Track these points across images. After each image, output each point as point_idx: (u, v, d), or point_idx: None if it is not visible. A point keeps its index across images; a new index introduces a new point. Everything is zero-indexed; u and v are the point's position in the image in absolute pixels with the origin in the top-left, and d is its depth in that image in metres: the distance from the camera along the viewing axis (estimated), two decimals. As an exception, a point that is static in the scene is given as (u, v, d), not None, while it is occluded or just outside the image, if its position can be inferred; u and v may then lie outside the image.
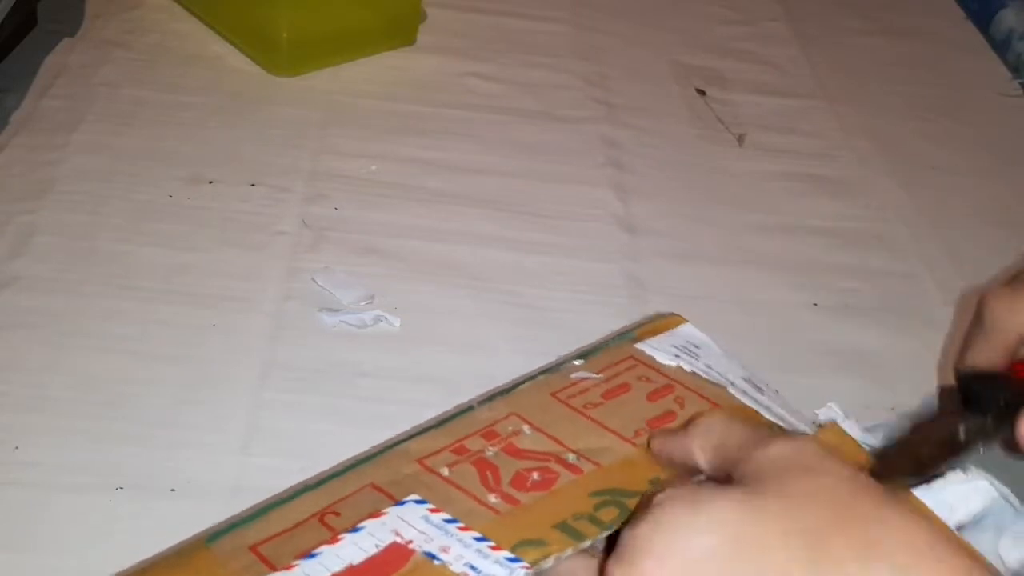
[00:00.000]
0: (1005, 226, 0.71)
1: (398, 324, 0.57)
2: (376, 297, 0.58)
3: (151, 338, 0.54)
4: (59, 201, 0.62)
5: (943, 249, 0.69)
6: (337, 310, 0.57)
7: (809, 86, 0.83)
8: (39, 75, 0.71)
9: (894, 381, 0.58)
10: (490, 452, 0.40)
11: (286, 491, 0.39)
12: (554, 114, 0.76)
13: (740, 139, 0.76)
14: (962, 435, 0.40)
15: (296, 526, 0.37)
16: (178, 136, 0.68)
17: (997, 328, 0.43)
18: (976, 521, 0.41)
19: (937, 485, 0.41)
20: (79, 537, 0.45)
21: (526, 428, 0.41)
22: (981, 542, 0.40)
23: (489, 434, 0.41)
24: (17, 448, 0.48)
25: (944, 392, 0.47)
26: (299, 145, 0.69)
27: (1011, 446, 0.41)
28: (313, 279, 0.59)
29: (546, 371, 0.45)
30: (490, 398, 0.43)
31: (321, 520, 0.37)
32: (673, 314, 0.49)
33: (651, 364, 0.45)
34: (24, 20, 0.73)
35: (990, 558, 0.38)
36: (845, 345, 0.60)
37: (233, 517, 0.38)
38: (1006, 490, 0.42)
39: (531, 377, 0.45)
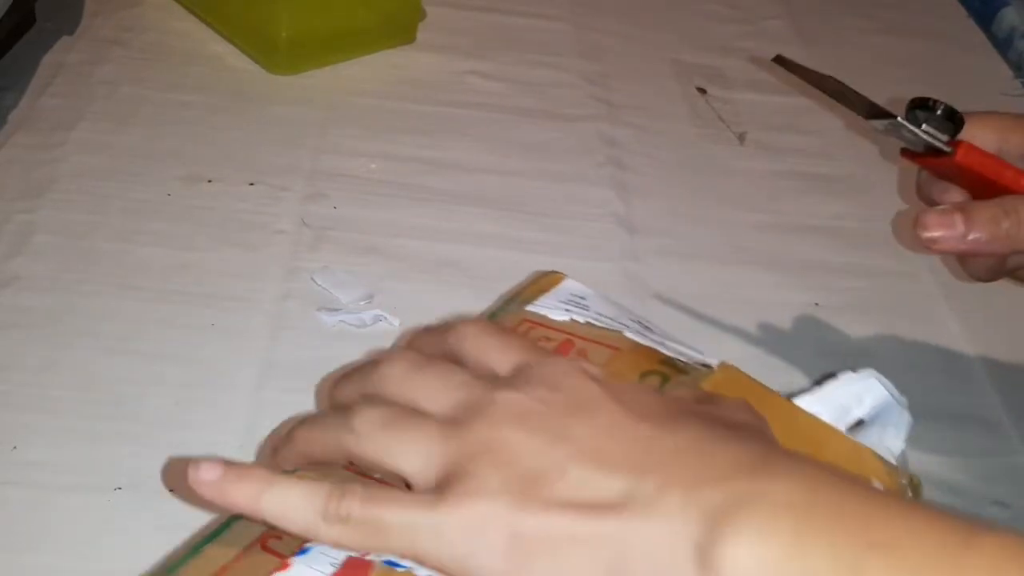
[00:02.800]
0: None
1: (397, 324, 0.57)
2: (375, 296, 0.58)
3: (150, 337, 0.54)
4: (58, 200, 0.62)
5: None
6: (336, 309, 0.57)
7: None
8: (37, 73, 0.71)
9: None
10: None
11: (214, 522, 0.37)
12: (554, 113, 0.76)
13: (741, 138, 0.76)
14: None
15: (237, 559, 0.34)
16: (177, 135, 0.68)
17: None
18: (869, 418, 0.43)
19: (829, 388, 0.43)
20: (78, 537, 0.44)
21: None
22: (870, 435, 0.43)
23: None
24: (15, 448, 0.48)
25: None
26: (298, 144, 0.69)
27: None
28: (312, 278, 0.59)
29: None
30: None
31: (263, 546, 0.34)
32: (553, 272, 0.49)
33: (545, 323, 0.44)
34: (22, 18, 0.72)
35: (880, 452, 0.41)
36: (847, 345, 0.60)
37: (167, 558, 0.37)
38: (891, 385, 0.45)
39: None
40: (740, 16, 0.91)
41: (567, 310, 0.45)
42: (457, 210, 0.66)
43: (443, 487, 0.32)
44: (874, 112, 0.50)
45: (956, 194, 0.50)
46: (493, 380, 0.35)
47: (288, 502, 0.33)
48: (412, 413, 0.35)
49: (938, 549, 0.28)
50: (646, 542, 0.30)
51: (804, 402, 0.43)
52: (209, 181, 0.65)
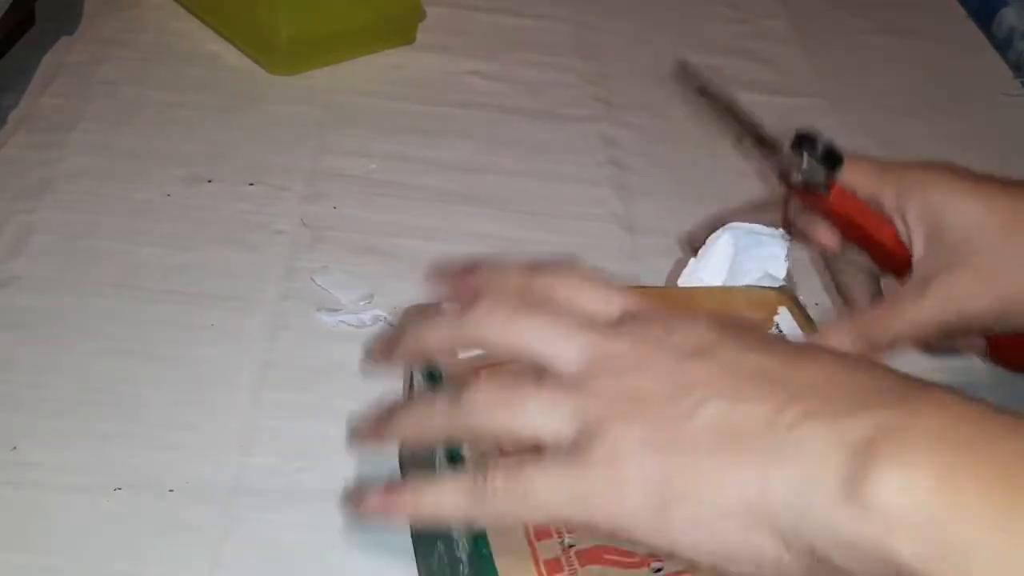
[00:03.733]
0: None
1: (397, 324, 0.57)
2: (375, 296, 0.58)
3: (149, 338, 0.54)
4: (57, 200, 0.62)
5: None
6: (336, 310, 0.57)
7: (810, 85, 0.83)
8: (37, 74, 0.71)
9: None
10: None
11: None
12: (554, 113, 0.76)
13: (741, 138, 0.76)
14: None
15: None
16: (177, 135, 0.68)
17: None
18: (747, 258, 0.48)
19: (700, 255, 0.49)
20: (77, 537, 0.44)
21: None
22: (755, 272, 0.48)
23: None
24: (15, 448, 0.48)
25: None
26: (298, 144, 0.69)
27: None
28: (312, 278, 0.59)
29: None
30: None
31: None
32: None
33: (489, 359, 0.42)
34: (22, 18, 0.72)
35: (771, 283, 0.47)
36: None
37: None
38: (755, 226, 0.50)
39: None
40: (740, 16, 0.91)
41: None
42: (457, 210, 0.66)
43: (580, 446, 0.32)
44: (760, 140, 0.51)
45: (823, 229, 0.51)
46: (606, 326, 0.35)
47: (441, 498, 0.35)
48: (526, 375, 0.34)
49: None
50: (790, 474, 0.30)
51: (687, 276, 0.48)
52: (209, 181, 0.65)
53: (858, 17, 0.94)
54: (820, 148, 0.49)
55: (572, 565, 0.35)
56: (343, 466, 0.49)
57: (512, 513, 0.33)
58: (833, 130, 0.78)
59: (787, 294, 0.47)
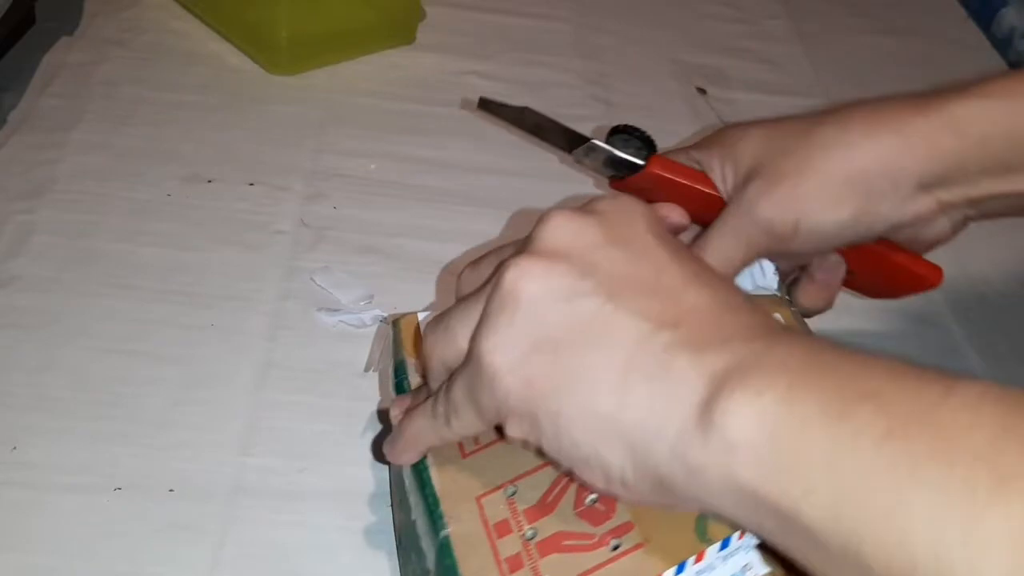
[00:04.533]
0: (1006, 225, 0.71)
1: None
2: (375, 296, 0.58)
3: (149, 338, 0.54)
4: (57, 200, 0.62)
5: (944, 247, 0.68)
6: (336, 310, 0.57)
7: (810, 85, 0.83)
8: (37, 73, 0.71)
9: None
10: None
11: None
12: (554, 112, 0.76)
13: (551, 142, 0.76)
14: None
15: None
16: (177, 135, 0.68)
17: None
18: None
19: None
20: (77, 537, 0.45)
21: None
22: (746, 283, 0.48)
23: None
24: (15, 448, 0.48)
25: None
26: (298, 144, 0.69)
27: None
28: (312, 278, 0.59)
29: None
30: None
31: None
32: (404, 315, 0.47)
33: None
34: (22, 18, 0.72)
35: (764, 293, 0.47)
36: (847, 344, 0.60)
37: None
38: None
39: None
40: (740, 16, 0.91)
41: None
42: (457, 209, 0.66)
43: (473, 341, 0.35)
44: (574, 140, 0.52)
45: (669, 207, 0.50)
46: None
47: (415, 426, 0.39)
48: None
49: (920, 395, 0.29)
50: (650, 394, 0.32)
51: None
52: (209, 181, 0.65)
53: (858, 17, 0.94)
54: (636, 135, 0.51)
55: (532, 558, 0.35)
56: (343, 466, 0.49)
57: (458, 429, 0.37)
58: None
59: (782, 301, 0.47)
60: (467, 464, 0.39)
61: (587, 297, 0.33)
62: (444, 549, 0.36)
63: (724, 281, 0.36)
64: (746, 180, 0.47)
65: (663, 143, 0.75)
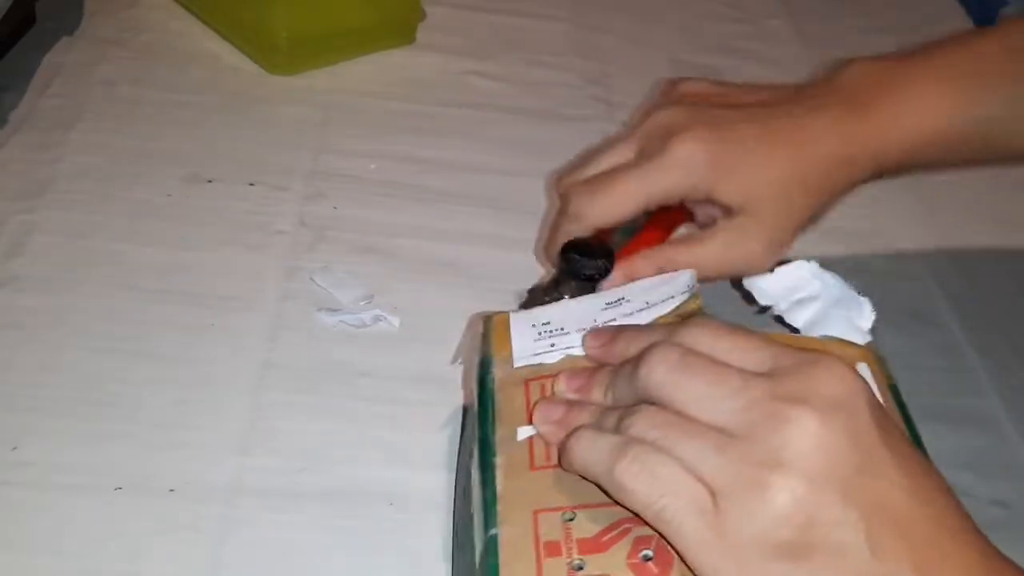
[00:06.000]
0: (1006, 224, 0.71)
1: (397, 324, 0.57)
2: (375, 296, 0.58)
3: (149, 338, 0.54)
4: (57, 200, 0.62)
5: (944, 248, 0.69)
6: (336, 310, 0.57)
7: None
8: (37, 73, 0.71)
9: (897, 379, 0.57)
10: None
11: None
12: (554, 112, 0.76)
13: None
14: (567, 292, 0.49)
15: None
16: (176, 135, 0.68)
17: (580, 217, 0.50)
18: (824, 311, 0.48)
19: (781, 272, 0.49)
20: (77, 537, 0.45)
21: None
22: (837, 327, 0.46)
23: None
24: (15, 448, 0.48)
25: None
26: (298, 144, 0.69)
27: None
28: (312, 278, 0.59)
29: None
30: None
31: None
32: (495, 314, 0.47)
33: (543, 373, 0.42)
34: (23, 18, 0.72)
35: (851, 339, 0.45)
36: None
37: None
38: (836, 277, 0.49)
39: None
40: (740, 16, 0.91)
41: (551, 345, 0.43)
42: (457, 210, 0.66)
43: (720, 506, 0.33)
44: (543, 291, 0.51)
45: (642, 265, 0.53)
46: (768, 384, 0.34)
47: (589, 452, 0.36)
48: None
49: None
50: None
51: (756, 283, 0.49)
52: (209, 181, 0.65)
53: (858, 16, 0.94)
54: (596, 264, 0.50)
55: None
56: (343, 466, 0.49)
57: (635, 496, 0.34)
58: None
59: (870, 350, 0.46)
60: (534, 477, 0.38)
61: (851, 542, 0.32)
62: (491, 548, 0.36)
63: (949, 493, 0.35)
64: (731, 217, 0.50)
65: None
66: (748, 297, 0.51)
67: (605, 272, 0.49)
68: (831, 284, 0.49)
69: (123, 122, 0.69)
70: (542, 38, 0.84)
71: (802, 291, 0.49)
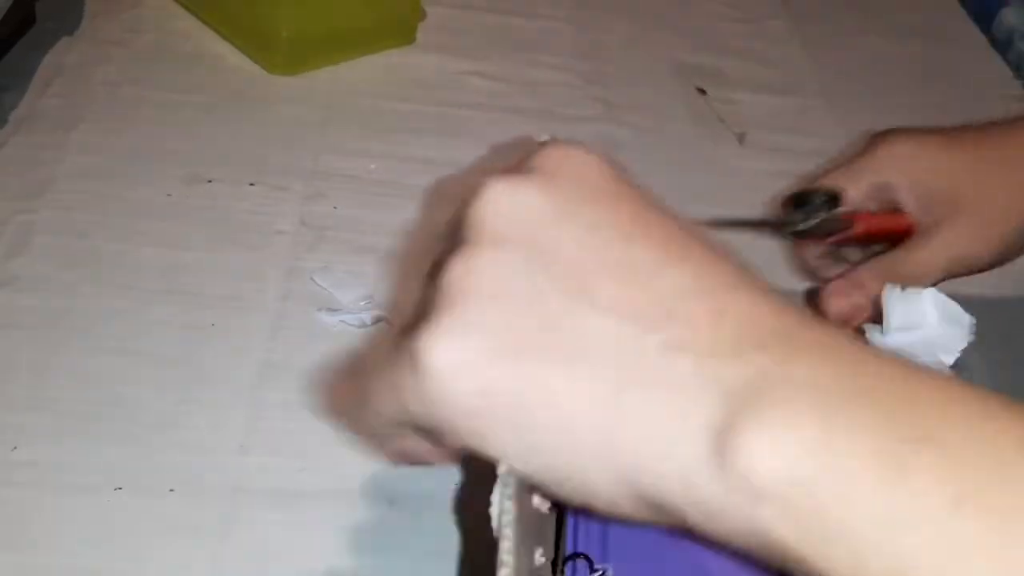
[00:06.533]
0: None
1: (397, 324, 0.57)
2: (375, 296, 0.58)
3: (149, 338, 0.54)
4: (58, 200, 0.62)
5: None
6: (336, 310, 0.57)
7: (810, 85, 0.83)
8: (38, 74, 0.71)
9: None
10: None
11: None
12: (554, 113, 0.76)
13: (741, 138, 0.76)
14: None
15: None
16: (177, 135, 0.68)
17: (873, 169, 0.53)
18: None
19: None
20: (77, 537, 0.45)
21: None
22: (920, 350, 0.46)
23: None
24: (15, 448, 0.48)
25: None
26: (298, 144, 0.69)
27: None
28: (312, 278, 0.59)
29: None
30: None
31: None
32: None
33: None
34: (23, 18, 0.72)
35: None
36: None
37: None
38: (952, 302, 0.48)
39: None
40: (740, 16, 0.91)
41: None
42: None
43: (415, 327, 0.28)
44: (769, 224, 0.57)
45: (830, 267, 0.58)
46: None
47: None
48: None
49: (992, 442, 0.23)
50: (649, 410, 0.26)
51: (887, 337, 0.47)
52: (209, 181, 0.65)
53: (858, 17, 0.94)
54: (818, 198, 0.53)
55: None
56: (343, 466, 0.49)
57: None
58: (833, 129, 0.78)
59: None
60: None
61: (547, 294, 0.27)
62: None
63: (714, 246, 0.29)
64: (945, 217, 0.51)
65: (663, 143, 0.75)
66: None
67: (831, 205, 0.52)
68: (942, 302, 0.48)
69: (123, 122, 0.69)
70: (542, 38, 0.84)
71: (916, 318, 0.47)
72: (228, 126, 0.70)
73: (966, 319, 0.47)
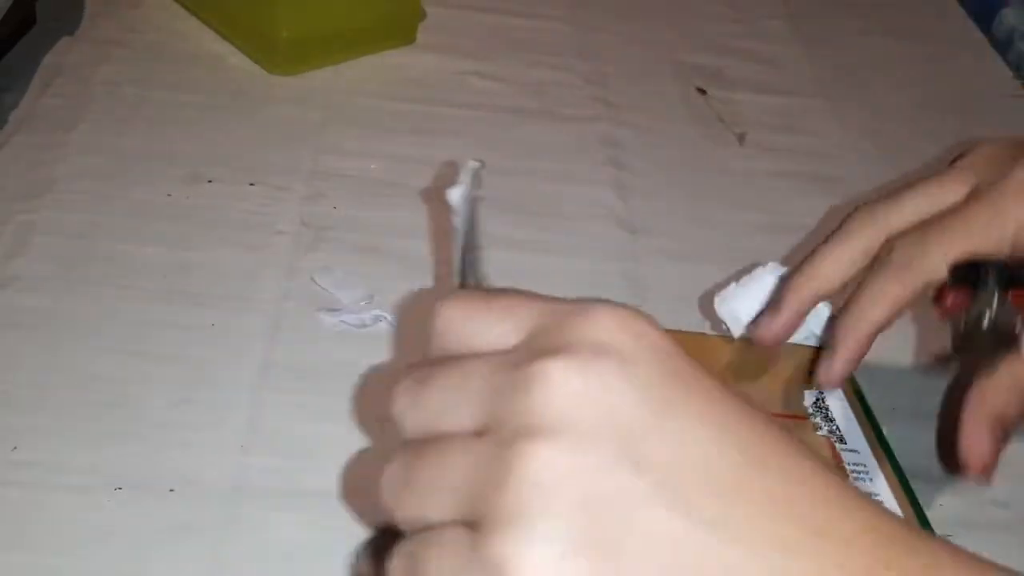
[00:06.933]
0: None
1: (397, 324, 0.57)
2: (375, 296, 0.58)
3: (150, 338, 0.54)
4: (58, 200, 0.62)
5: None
6: (336, 310, 0.57)
7: (810, 85, 0.83)
8: (38, 74, 0.71)
9: (896, 380, 0.57)
10: None
11: None
12: (554, 113, 0.76)
13: (740, 138, 0.76)
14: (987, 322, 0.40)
15: None
16: (177, 135, 0.68)
17: (910, 267, 0.43)
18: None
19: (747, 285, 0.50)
20: (78, 537, 0.44)
21: None
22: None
23: None
24: (15, 448, 0.48)
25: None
26: (298, 144, 0.69)
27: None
28: (312, 279, 0.59)
29: None
30: None
31: None
32: None
33: None
34: (23, 18, 0.72)
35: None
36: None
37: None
38: None
39: None
40: (740, 16, 0.91)
41: None
42: (457, 210, 0.66)
43: (483, 527, 0.24)
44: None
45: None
46: (515, 363, 0.26)
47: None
48: (429, 446, 0.27)
49: None
50: None
51: (725, 301, 0.50)
52: (209, 181, 0.65)
53: (858, 17, 0.94)
54: (989, 275, 0.41)
55: None
56: (343, 466, 0.49)
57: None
58: (833, 129, 0.79)
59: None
60: None
61: (649, 511, 0.24)
62: None
63: (806, 447, 0.26)
64: None
65: (663, 143, 0.75)
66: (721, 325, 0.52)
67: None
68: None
69: (124, 122, 0.69)
70: (542, 38, 0.84)
71: (762, 291, 0.49)
72: (228, 126, 0.70)
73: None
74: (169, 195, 0.63)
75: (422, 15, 0.80)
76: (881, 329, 0.43)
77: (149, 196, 0.63)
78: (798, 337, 0.49)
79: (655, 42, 0.86)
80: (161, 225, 0.61)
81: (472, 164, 0.31)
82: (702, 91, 0.81)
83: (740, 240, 0.67)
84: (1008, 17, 0.91)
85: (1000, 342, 0.42)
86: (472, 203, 0.30)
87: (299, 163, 0.67)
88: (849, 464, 0.47)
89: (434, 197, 0.66)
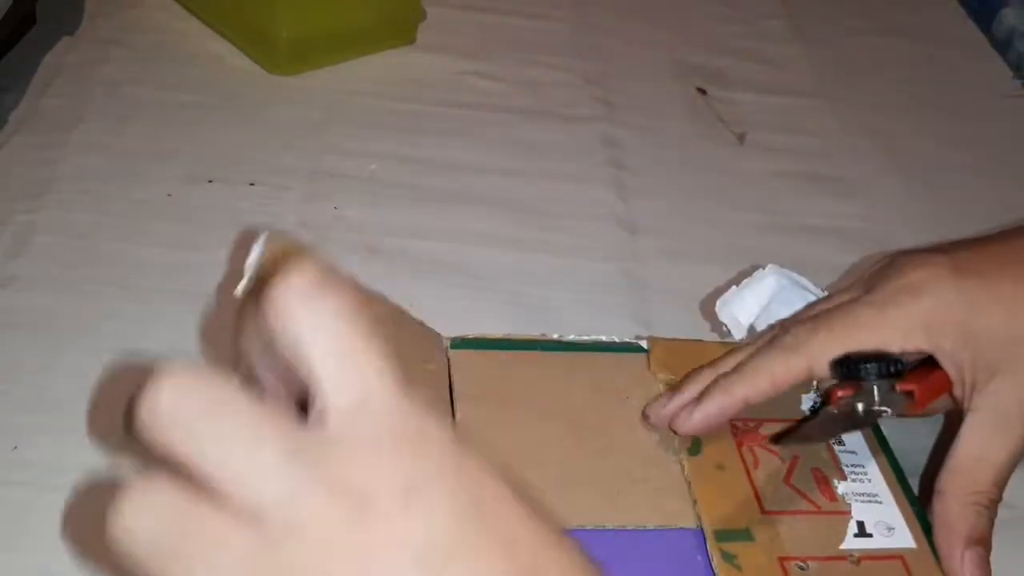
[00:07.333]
0: (1005, 226, 0.71)
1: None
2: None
3: (149, 338, 0.54)
4: (58, 200, 0.62)
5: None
6: (336, 310, 0.57)
7: (809, 85, 0.83)
8: (38, 74, 0.71)
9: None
10: None
11: None
12: (554, 113, 0.76)
13: (740, 138, 0.76)
14: (861, 410, 0.43)
15: None
16: (177, 135, 0.68)
17: (797, 348, 0.45)
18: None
19: (745, 289, 0.51)
20: (78, 537, 0.44)
21: None
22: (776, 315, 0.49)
23: None
24: (15, 448, 0.48)
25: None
26: (298, 144, 0.69)
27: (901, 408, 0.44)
28: (312, 278, 0.59)
29: None
30: None
31: None
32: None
33: None
34: (23, 18, 0.72)
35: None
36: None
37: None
38: (795, 276, 0.51)
39: None
40: (740, 16, 0.91)
41: None
42: (457, 210, 0.66)
43: None
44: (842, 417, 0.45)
45: None
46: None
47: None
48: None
49: None
50: None
51: (724, 301, 0.51)
52: (209, 181, 0.65)
53: (858, 17, 0.94)
54: (875, 369, 0.43)
55: None
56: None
57: None
58: (833, 129, 0.79)
59: None
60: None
61: None
62: None
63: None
64: (992, 375, 0.43)
65: (663, 143, 0.75)
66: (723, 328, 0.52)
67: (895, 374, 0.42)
68: (785, 281, 0.51)
69: (124, 122, 0.69)
70: (542, 38, 0.84)
71: (761, 293, 0.50)
72: (228, 126, 0.70)
73: (818, 291, 0.50)
74: (169, 195, 0.63)
75: (422, 15, 0.80)
76: (751, 402, 0.45)
77: (149, 196, 0.63)
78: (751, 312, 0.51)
79: (655, 42, 0.86)
80: (161, 225, 0.61)
81: (263, 235, 0.32)
82: (702, 91, 0.81)
83: (740, 240, 0.67)
84: (1008, 17, 0.91)
85: (853, 424, 0.46)
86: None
87: (299, 163, 0.67)
88: (847, 465, 0.47)
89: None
